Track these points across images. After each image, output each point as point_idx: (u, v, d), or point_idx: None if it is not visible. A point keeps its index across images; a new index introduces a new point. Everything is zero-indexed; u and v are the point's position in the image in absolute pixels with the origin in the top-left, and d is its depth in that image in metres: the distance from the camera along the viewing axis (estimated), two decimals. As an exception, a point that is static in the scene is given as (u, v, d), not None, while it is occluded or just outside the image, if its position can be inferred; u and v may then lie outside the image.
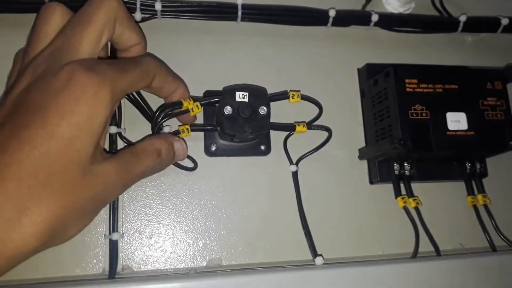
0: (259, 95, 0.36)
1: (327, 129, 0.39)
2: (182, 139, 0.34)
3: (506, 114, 0.39)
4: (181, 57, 0.40)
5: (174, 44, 0.40)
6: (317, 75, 0.43)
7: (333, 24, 0.42)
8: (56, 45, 0.25)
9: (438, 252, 0.38)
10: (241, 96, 0.36)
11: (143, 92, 0.37)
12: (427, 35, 0.45)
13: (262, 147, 0.39)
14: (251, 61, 0.41)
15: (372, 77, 0.41)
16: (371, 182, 0.41)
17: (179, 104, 0.35)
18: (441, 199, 0.42)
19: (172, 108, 0.35)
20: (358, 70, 0.43)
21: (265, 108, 0.36)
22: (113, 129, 0.35)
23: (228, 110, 0.35)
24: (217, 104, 0.36)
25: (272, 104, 0.36)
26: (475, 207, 0.40)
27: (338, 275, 0.34)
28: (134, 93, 0.37)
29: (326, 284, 0.34)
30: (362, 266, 0.35)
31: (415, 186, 0.41)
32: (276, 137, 0.40)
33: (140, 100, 0.37)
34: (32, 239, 0.20)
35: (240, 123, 0.35)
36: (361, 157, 0.41)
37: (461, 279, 0.36)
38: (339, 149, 0.41)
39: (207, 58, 0.41)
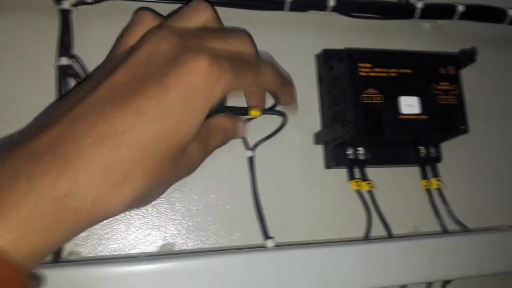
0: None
1: (282, 114, 0.39)
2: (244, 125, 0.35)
3: (459, 98, 0.39)
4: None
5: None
6: (275, 59, 0.42)
7: (291, 9, 0.42)
8: None
9: (390, 234, 0.39)
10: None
11: (90, 68, 0.36)
12: (386, 21, 0.45)
13: (218, 132, 0.39)
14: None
15: (329, 62, 0.41)
16: (327, 167, 0.41)
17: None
18: (396, 183, 0.42)
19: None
20: (316, 56, 0.43)
21: (217, 91, 0.35)
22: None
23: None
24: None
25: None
26: (428, 191, 0.41)
27: (288, 257, 0.34)
28: (81, 71, 0.36)
29: (277, 267, 0.34)
30: (312, 248, 0.35)
31: (371, 171, 0.41)
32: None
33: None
34: (123, 205, 0.21)
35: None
36: (316, 141, 0.41)
37: (412, 261, 0.37)
38: (296, 134, 0.41)
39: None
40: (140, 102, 0.21)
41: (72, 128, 0.21)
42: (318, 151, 0.42)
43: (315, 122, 0.42)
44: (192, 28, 0.27)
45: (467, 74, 0.42)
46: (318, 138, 0.40)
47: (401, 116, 0.37)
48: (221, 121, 0.31)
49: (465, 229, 0.41)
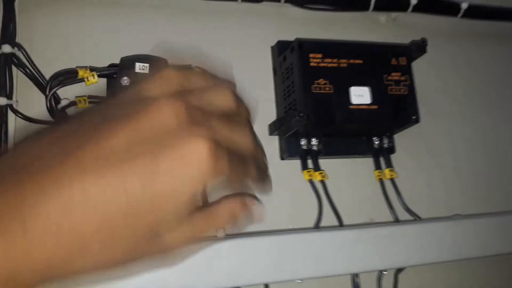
0: (159, 67, 0.35)
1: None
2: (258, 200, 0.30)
3: (410, 89, 0.40)
4: (91, 30, 0.38)
5: (81, 17, 0.39)
6: (230, 52, 0.42)
7: (244, 0, 0.42)
8: None
9: (341, 223, 0.39)
10: (141, 68, 0.35)
11: (34, 58, 0.35)
12: (342, 13, 0.46)
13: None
14: (160, 34, 0.40)
15: (283, 53, 0.41)
16: (282, 158, 0.41)
17: (74, 72, 0.33)
18: (351, 174, 0.42)
19: (66, 76, 0.34)
20: (272, 48, 0.43)
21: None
22: (2, 101, 0.33)
23: (125, 81, 0.34)
24: (115, 76, 0.35)
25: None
26: (381, 181, 0.41)
27: (239, 246, 0.34)
28: (25, 60, 0.35)
29: (230, 255, 0.34)
30: (261, 237, 0.35)
31: (327, 162, 0.41)
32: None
33: (32, 68, 0.35)
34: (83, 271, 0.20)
35: (138, 96, 0.34)
36: (270, 132, 0.41)
37: (363, 249, 0.37)
38: (257, 126, 0.41)
39: (118, 31, 0.39)
40: (124, 173, 0.20)
41: (41, 184, 0.20)
42: (275, 143, 0.42)
43: (271, 113, 0.42)
44: (209, 111, 0.25)
45: (419, 66, 0.43)
46: (272, 129, 0.40)
47: (351, 106, 0.38)
48: (227, 205, 0.26)
49: (416, 218, 0.41)
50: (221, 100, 0.26)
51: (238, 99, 0.26)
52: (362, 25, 0.47)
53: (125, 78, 0.34)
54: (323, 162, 0.41)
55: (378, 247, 0.37)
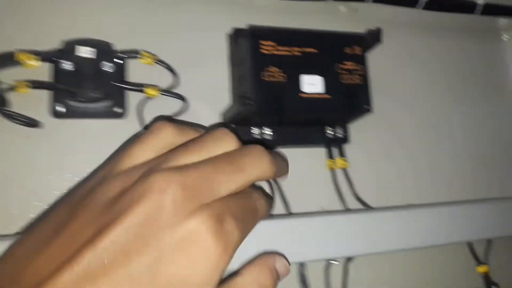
0: (104, 51, 0.34)
1: (181, 98, 0.38)
2: (282, 256, 0.26)
3: (363, 78, 0.40)
4: (36, 12, 0.37)
5: None
6: (186, 39, 0.41)
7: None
8: None
9: (289, 212, 0.39)
10: (85, 51, 0.34)
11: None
12: (301, 3, 0.45)
13: (117, 110, 0.38)
14: (111, 18, 0.39)
15: (237, 41, 0.40)
16: (236, 147, 0.40)
17: (11, 55, 0.32)
18: (303, 163, 0.42)
19: (1, 59, 0.32)
20: (228, 35, 0.42)
21: (110, 65, 0.34)
22: None
23: (67, 65, 0.33)
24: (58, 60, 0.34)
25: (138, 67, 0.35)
26: (332, 170, 0.41)
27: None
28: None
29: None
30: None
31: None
32: (136, 100, 0.38)
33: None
34: None
35: (80, 80, 0.33)
36: (224, 120, 0.40)
37: (312, 238, 0.37)
38: (208, 114, 0.41)
39: (63, 14, 0.38)
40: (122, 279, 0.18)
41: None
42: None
43: (227, 102, 0.41)
44: (210, 181, 0.21)
45: (376, 56, 0.43)
46: (225, 117, 0.40)
47: (303, 95, 0.37)
48: (254, 279, 0.24)
49: (367, 207, 0.41)
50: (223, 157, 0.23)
51: (239, 152, 0.24)
52: (323, 15, 0.46)
53: (67, 61, 0.33)
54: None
55: (327, 235, 0.37)
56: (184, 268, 0.19)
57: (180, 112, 0.38)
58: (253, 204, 0.24)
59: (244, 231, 0.22)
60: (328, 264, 0.40)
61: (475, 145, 0.50)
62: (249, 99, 0.35)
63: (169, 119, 0.28)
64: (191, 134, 0.24)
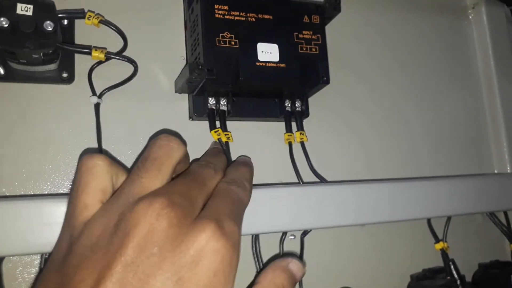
0: (45, 9, 0.32)
1: (132, 62, 0.37)
2: (295, 258, 0.27)
3: (321, 49, 0.39)
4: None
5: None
6: (140, 5, 0.40)
7: None
8: None
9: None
10: (23, 9, 0.32)
11: None
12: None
13: (64, 74, 0.36)
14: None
15: (191, 5, 0.39)
16: (191, 117, 0.39)
17: None
18: (261, 136, 0.41)
19: None
20: (183, 0, 0.41)
21: (52, 23, 0.32)
22: None
23: (4, 22, 0.31)
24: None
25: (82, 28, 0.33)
26: (289, 144, 0.40)
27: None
28: None
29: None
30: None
31: (240, 124, 0.40)
32: (85, 66, 0.36)
33: None
34: None
35: (19, 38, 0.31)
36: (176, 89, 0.39)
37: (265, 210, 0.36)
38: (164, 83, 0.39)
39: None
40: None
41: None
42: (184, 102, 0.40)
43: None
44: (184, 185, 0.23)
45: (334, 27, 0.42)
46: (176, 85, 0.38)
47: (258, 63, 0.36)
48: (271, 280, 0.25)
49: (323, 181, 0.41)
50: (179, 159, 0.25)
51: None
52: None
53: (5, 18, 0.31)
54: (234, 124, 0.40)
55: (281, 208, 0.36)
56: (205, 278, 0.20)
57: (130, 78, 0.37)
58: (236, 197, 0.26)
59: (240, 224, 0.24)
60: (283, 237, 0.39)
61: (437, 122, 0.50)
62: (200, 65, 0.34)
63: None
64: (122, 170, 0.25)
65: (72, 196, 0.23)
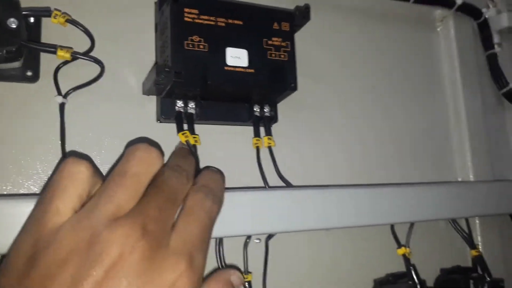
0: (9, 6, 0.32)
1: (98, 62, 0.36)
2: (236, 270, 0.28)
3: (290, 55, 0.39)
4: None
5: None
6: (108, 6, 0.39)
7: None
8: None
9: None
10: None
11: None
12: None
13: (29, 73, 0.35)
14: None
15: (162, 8, 0.39)
16: (158, 120, 0.39)
17: None
18: (230, 140, 0.42)
19: None
20: (155, 3, 0.41)
21: (16, 21, 0.32)
22: None
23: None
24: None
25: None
26: (257, 149, 0.41)
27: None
28: None
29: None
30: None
31: (209, 127, 0.40)
32: (51, 64, 0.36)
33: None
34: None
35: (-20, 36, 0.31)
36: (144, 91, 0.39)
37: (229, 214, 0.36)
38: (129, 85, 0.39)
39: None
40: None
41: None
42: (152, 104, 0.40)
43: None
44: (157, 209, 0.23)
45: (303, 34, 0.42)
46: (144, 87, 0.38)
47: (226, 68, 0.36)
48: None
49: (289, 185, 0.41)
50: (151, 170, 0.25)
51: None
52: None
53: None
54: (202, 128, 0.40)
55: (245, 211, 0.37)
56: None
57: (97, 78, 0.36)
58: (207, 215, 0.26)
59: (207, 249, 0.24)
60: (247, 240, 0.39)
61: (403, 131, 0.51)
62: (167, 68, 0.34)
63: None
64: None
65: (44, 198, 0.22)
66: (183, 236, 0.23)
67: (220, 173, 0.32)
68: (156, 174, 0.25)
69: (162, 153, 0.26)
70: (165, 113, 0.38)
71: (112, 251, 0.19)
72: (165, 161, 0.27)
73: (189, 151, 0.36)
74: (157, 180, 0.25)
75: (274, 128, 0.42)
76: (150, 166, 0.24)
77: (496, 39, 0.60)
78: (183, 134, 0.38)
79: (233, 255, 0.39)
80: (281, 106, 0.43)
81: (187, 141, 0.37)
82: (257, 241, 0.41)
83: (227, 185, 0.39)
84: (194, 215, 0.25)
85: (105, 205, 0.21)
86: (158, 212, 0.22)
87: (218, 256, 0.37)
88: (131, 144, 0.27)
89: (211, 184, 0.29)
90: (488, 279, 0.48)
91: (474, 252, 0.50)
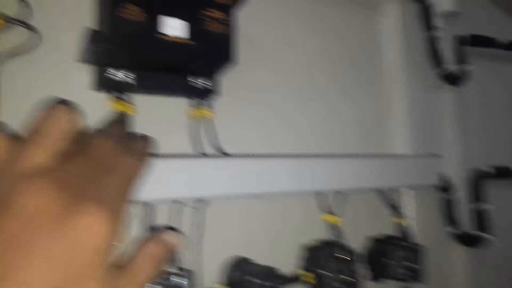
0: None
1: (32, 29, 0.35)
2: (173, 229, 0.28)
3: (230, 29, 0.40)
4: None
5: None
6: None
7: None
8: None
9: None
10: None
11: None
12: None
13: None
14: None
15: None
16: (94, 89, 0.39)
17: None
18: (168, 111, 0.42)
19: None
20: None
21: None
22: None
23: None
24: None
25: None
26: (194, 119, 0.42)
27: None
28: None
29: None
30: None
31: (148, 99, 0.40)
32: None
33: None
34: None
35: None
36: (79, 59, 0.38)
37: (167, 176, 0.37)
38: (66, 54, 0.38)
39: None
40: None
41: None
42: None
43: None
44: (76, 164, 0.23)
45: (248, 9, 0.43)
46: (80, 55, 0.38)
47: (162, 36, 0.36)
48: (145, 255, 0.25)
49: (224, 154, 0.42)
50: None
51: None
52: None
53: None
54: (141, 98, 0.40)
55: (181, 177, 0.38)
56: (85, 257, 0.20)
57: (32, 46, 0.35)
58: (130, 171, 0.25)
59: (126, 201, 0.24)
60: (182, 205, 0.41)
61: (344, 106, 0.54)
62: (101, 34, 0.33)
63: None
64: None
65: None
66: (102, 186, 0.23)
67: (147, 137, 0.33)
68: (82, 135, 0.25)
69: (78, 111, 0.26)
70: (102, 82, 0.38)
71: (29, 204, 0.20)
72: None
73: (123, 118, 0.36)
74: (81, 140, 0.25)
75: (212, 100, 0.43)
76: (64, 123, 0.24)
77: (438, 22, 0.63)
78: (119, 103, 0.38)
79: (169, 222, 0.40)
80: (221, 79, 0.43)
81: (122, 111, 0.37)
82: (194, 209, 0.42)
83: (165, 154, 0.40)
84: (116, 172, 0.25)
85: (17, 161, 0.22)
86: (76, 168, 0.23)
87: (150, 222, 0.38)
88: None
89: (137, 146, 0.29)
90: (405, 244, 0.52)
91: (397, 220, 0.55)
